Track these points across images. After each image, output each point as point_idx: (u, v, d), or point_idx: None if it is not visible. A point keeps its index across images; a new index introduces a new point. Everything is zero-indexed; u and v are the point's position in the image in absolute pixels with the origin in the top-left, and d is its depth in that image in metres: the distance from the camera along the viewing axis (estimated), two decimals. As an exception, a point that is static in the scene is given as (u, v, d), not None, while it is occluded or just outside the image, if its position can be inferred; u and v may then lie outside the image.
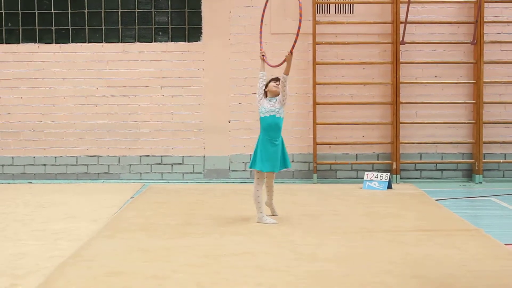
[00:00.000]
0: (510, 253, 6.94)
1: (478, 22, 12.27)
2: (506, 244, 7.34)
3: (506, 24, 12.57)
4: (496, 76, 12.58)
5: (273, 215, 8.83)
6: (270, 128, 8.30)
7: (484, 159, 12.53)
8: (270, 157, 8.31)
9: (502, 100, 12.62)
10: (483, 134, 12.47)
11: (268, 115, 8.30)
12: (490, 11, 12.50)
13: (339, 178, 12.68)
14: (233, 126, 12.68)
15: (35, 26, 12.63)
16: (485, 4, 12.33)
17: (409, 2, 11.93)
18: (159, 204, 9.95)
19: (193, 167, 12.75)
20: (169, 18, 12.67)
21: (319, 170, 12.48)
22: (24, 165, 12.74)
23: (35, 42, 12.66)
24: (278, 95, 8.35)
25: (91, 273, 6.23)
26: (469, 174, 12.71)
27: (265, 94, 8.48)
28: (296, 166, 12.60)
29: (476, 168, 12.47)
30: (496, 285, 5.84)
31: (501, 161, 12.68)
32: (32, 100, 12.68)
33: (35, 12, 12.62)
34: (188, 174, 12.76)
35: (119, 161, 12.76)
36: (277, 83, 8.36)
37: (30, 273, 6.26)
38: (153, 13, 12.66)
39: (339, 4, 12.62)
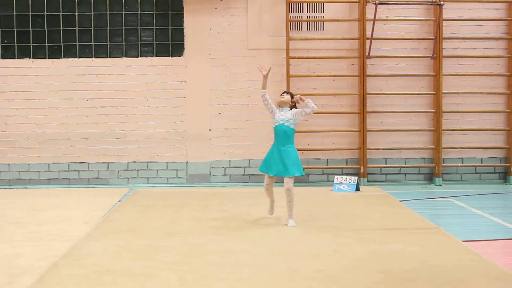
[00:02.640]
0: (467, 249, 7.00)
1: (437, 38, 12.38)
2: (463, 241, 7.40)
3: (463, 40, 12.68)
4: (454, 87, 12.69)
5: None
6: (279, 135, 8.35)
7: (443, 163, 12.63)
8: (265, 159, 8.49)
9: (459, 109, 12.73)
10: (443, 140, 12.57)
11: (277, 124, 8.37)
12: (448, 28, 12.62)
13: (311, 182, 12.71)
14: (214, 134, 12.68)
15: (30, 43, 12.56)
16: (443, 22, 12.44)
17: (374, 20, 12.01)
18: (145, 207, 9.93)
19: (177, 172, 12.73)
20: (154, 35, 12.66)
21: (293, 174, 12.49)
22: (19, 172, 12.65)
23: (30, 58, 12.59)
24: (285, 105, 8.46)
25: (82, 271, 6.21)
26: (430, 177, 12.80)
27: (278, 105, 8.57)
28: (271, 171, 12.62)
29: (436, 171, 12.57)
30: (454, 279, 5.89)
31: (459, 165, 12.78)
32: (27, 111, 12.61)
33: (30, 30, 12.55)
34: (172, 179, 12.73)
35: (108, 167, 12.71)
36: (283, 95, 8.51)
37: (26, 272, 6.23)
38: (139, 30, 12.64)
39: (311, 22, 12.68)
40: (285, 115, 8.37)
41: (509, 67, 12.67)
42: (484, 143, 12.79)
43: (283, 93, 8.62)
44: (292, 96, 8.53)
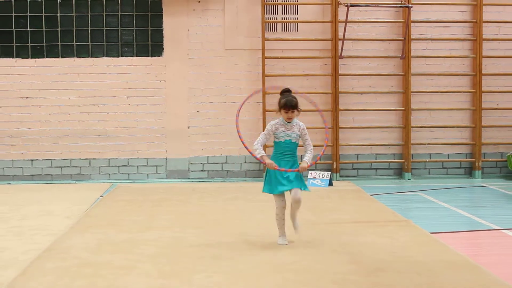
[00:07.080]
0: (435, 241, 7.05)
1: (406, 39, 12.44)
2: (431, 233, 7.45)
3: (430, 41, 12.76)
4: (422, 86, 12.77)
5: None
6: (285, 151, 7.06)
7: (412, 159, 12.70)
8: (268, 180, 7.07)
9: (427, 107, 12.80)
10: (411, 137, 12.64)
11: (283, 140, 7.03)
12: (416, 30, 12.69)
13: (286, 177, 12.70)
14: (192, 131, 12.64)
15: (13, 43, 12.42)
16: (412, 23, 12.51)
17: (346, 22, 12.04)
18: (126, 202, 9.88)
19: (156, 168, 12.67)
20: (134, 35, 12.58)
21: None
22: (3, 168, 12.50)
23: (13, 57, 12.45)
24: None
25: (64, 264, 6.16)
26: (400, 172, 12.87)
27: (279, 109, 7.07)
28: (248, 167, 12.62)
29: (406, 166, 12.63)
30: (423, 269, 5.92)
31: (427, 160, 12.86)
32: (11, 109, 12.47)
33: (13, 30, 12.41)
34: (152, 175, 12.67)
35: (89, 163, 12.61)
36: (289, 113, 6.96)
37: (10, 265, 6.17)
38: (119, 31, 12.55)
39: (285, 23, 12.68)
40: (292, 130, 7.04)
41: (474, 67, 12.77)
42: (451, 139, 12.89)
43: (290, 108, 6.92)
44: (297, 107, 7.00)
